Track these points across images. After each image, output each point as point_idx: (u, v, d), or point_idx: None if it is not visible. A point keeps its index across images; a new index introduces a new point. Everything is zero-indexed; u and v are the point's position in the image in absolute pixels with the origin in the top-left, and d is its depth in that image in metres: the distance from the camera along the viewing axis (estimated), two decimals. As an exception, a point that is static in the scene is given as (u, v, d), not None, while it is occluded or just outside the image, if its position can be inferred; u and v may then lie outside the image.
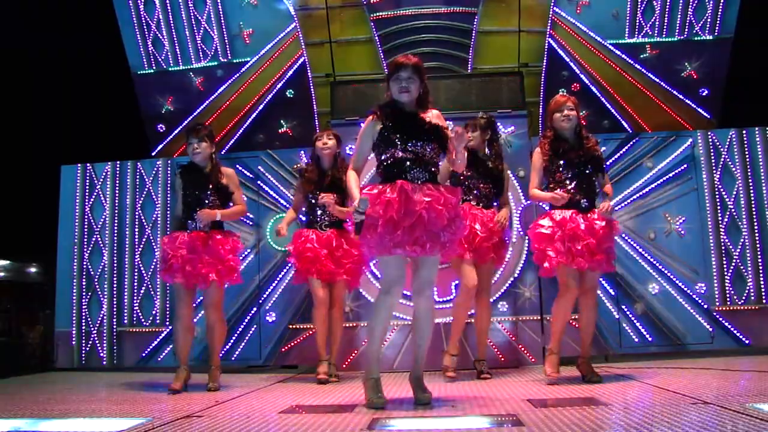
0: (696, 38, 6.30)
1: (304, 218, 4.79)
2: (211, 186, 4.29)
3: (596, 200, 4.07)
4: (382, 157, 3.37)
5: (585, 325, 4.12)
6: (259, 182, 5.76)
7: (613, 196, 5.46)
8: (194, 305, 4.52)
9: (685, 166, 5.55)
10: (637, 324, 5.36)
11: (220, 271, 4.21)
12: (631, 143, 5.60)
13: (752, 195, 5.54)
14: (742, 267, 5.45)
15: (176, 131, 6.59)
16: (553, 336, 4.08)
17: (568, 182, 4.01)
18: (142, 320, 5.81)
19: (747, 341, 5.32)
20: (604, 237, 3.93)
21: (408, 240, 3.16)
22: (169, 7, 6.62)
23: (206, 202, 4.27)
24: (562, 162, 4.02)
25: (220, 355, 4.47)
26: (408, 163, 3.28)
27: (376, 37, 6.29)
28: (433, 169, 3.34)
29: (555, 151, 4.05)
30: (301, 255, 4.55)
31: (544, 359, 4.18)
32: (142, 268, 5.87)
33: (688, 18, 6.29)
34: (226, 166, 4.58)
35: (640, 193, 5.52)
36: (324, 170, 4.65)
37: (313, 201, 4.60)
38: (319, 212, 4.62)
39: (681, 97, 6.27)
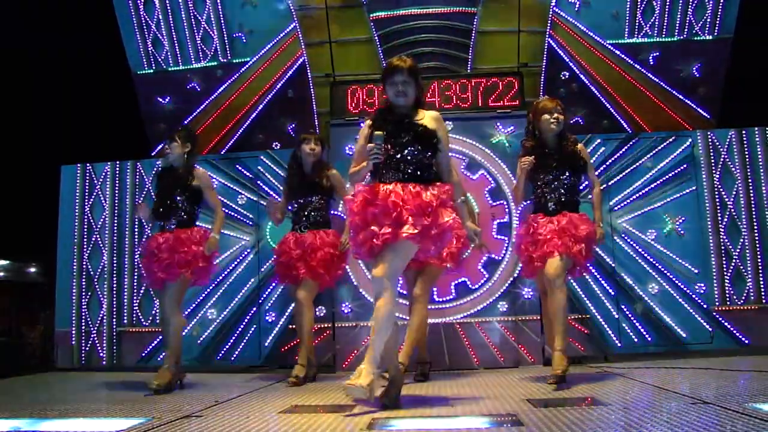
0: (696, 38, 6.30)
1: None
2: (181, 188, 4.31)
3: (577, 204, 4.06)
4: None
5: (552, 313, 3.91)
6: (259, 182, 5.77)
7: (614, 196, 5.50)
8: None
9: (685, 166, 5.55)
10: (637, 324, 5.37)
11: (170, 265, 4.16)
12: (631, 143, 5.60)
13: (752, 195, 5.55)
14: (741, 267, 5.46)
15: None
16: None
17: (543, 187, 4.05)
18: (142, 320, 5.81)
19: (747, 341, 5.32)
20: (570, 235, 3.87)
21: (367, 238, 3.21)
22: (168, 8, 6.62)
23: (177, 201, 4.31)
24: (541, 168, 4.03)
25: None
26: (385, 164, 3.30)
27: (376, 37, 6.29)
28: (412, 169, 3.28)
29: (532, 156, 4.06)
30: (277, 260, 4.66)
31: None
32: (141, 268, 5.86)
33: (688, 18, 6.29)
34: (203, 166, 4.67)
35: (640, 193, 5.52)
36: (305, 174, 4.65)
37: (294, 207, 4.64)
38: (300, 218, 4.62)
39: (681, 97, 6.27)
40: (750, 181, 5.57)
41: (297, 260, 4.47)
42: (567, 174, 4.03)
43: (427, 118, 3.38)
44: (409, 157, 3.29)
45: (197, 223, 4.42)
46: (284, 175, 4.89)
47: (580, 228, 3.89)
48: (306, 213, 4.60)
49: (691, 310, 5.37)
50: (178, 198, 4.30)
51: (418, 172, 3.30)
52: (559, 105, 4.08)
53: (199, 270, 4.28)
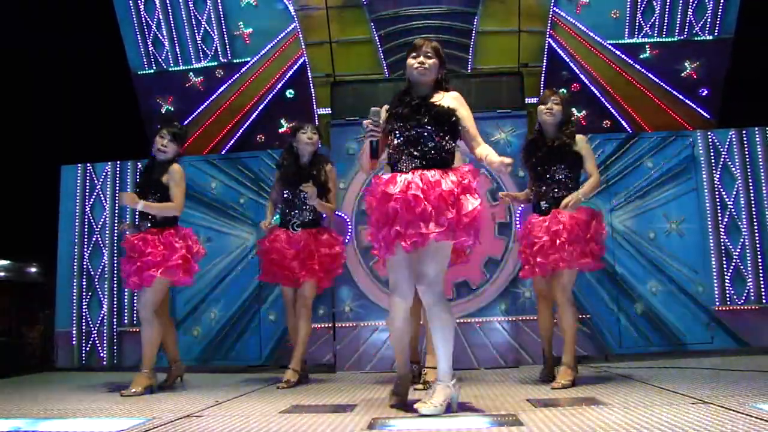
0: (696, 38, 6.30)
1: (278, 216, 4.61)
2: (152, 187, 4.19)
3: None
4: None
5: (561, 330, 3.89)
6: (259, 182, 5.77)
7: (613, 196, 5.50)
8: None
9: (685, 166, 5.56)
10: (637, 324, 5.36)
11: (139, 268, 4.03)
12: (631, 143, 5.60)
13: (752, 195, 5.55)
14: (741, 267, 5.46)
15: (176, 131, 6.59)
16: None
17: (536, 181, 3.94)
18: (142, 320, 5.81)
19: (747, 341, 5.32)
20: (570, 234, 3.69)
21: (390, 236, 2.98)
22: (169, 7, 6.62)
23: (149, 200, 4.17)
24: (534, 160, 3.94)
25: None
26: (401, 150, 3.07)
27: (376, 37, 6.29)
28: (431, 154, 3.04)
29: (528, 149, 4.01)
30: (266, 254, 4.44)
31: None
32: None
33: (688, 18, 6.29)
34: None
35: (640, 193, 5.52)
36: (301, 166, 4.48)
37: (288, 198, 4.46)
38: (292, 211, 4.44)
39: (681, 97, 6.27)
40: (750, 181, 5.57)
41: (291, 260, 4.30)
42: (560, 167, 3.86)
43: (445, 98, 3.13)
44: (427, 141, 3.04)
45: (178, 224, 4.27)
46: (278, 168, 4.70)
47: (575, 227, 3.69)
48: (298, 208, 4.42)
49: (691, 310, 5.37)
50: (150, 198, 4.16)
51: (438, 157, 3.05)
52: (555, 95, 3.96)
53: (170, 270, 4.06)
